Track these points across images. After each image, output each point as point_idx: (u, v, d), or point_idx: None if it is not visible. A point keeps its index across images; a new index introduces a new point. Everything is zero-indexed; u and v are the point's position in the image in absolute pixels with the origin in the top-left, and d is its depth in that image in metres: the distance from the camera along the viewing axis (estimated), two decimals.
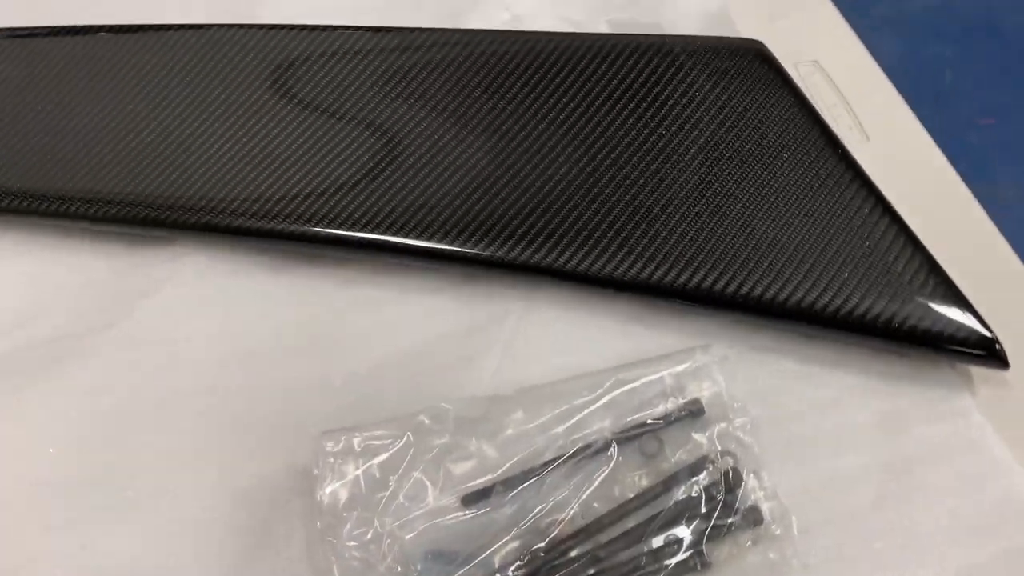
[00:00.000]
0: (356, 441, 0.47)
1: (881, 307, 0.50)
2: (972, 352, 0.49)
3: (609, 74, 0.58)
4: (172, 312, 0.57)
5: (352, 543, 0.45)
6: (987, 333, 0.49)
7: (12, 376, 0.54)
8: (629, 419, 0.49)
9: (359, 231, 0.55)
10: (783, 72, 0.58)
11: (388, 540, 0.45)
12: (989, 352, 0.49)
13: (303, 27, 0.63)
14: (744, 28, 0.66)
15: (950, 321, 0.49)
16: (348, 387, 0.53)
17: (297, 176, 0.57)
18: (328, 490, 0.46)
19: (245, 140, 0.59)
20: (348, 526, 0.45)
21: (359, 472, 0.47)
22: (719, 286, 0.51)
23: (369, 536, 0.45)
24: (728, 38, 0.59)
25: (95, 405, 0.53)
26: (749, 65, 0.58)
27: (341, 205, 0.55)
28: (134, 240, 0.60)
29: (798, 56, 0.67)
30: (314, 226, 0.55)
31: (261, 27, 0.64)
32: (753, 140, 0.55)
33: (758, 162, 0.55)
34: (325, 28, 0.63)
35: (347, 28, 0.63)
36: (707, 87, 0.57)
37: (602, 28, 0.69)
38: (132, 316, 0.57)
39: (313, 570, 0.46)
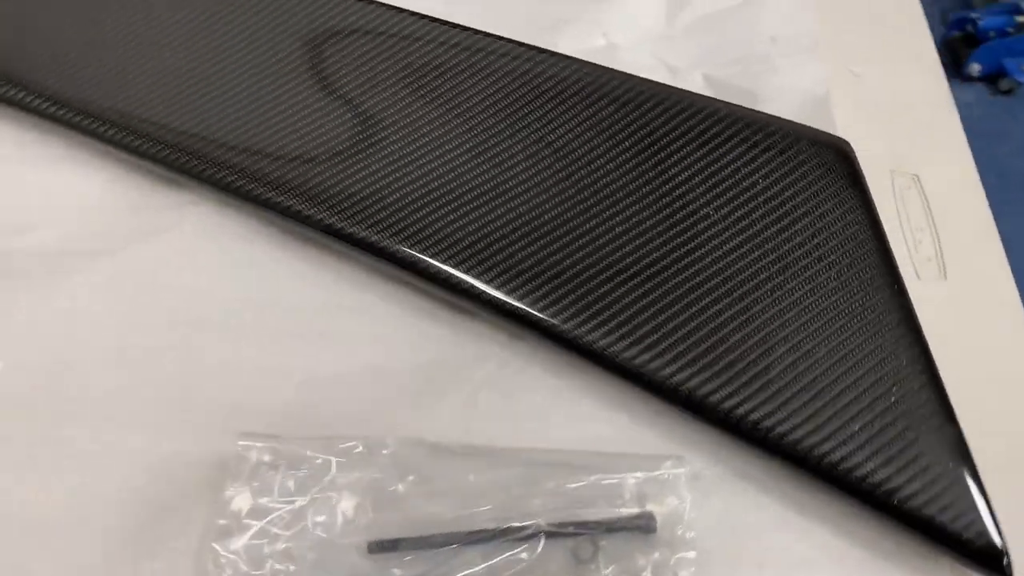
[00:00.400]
0: (276, 450, 0.45)
1: (885, 475, 0.43)
2: (974, 558, 0.42)
3: (670, 133, 0.53)
4: (169, 258, 0.56)
5: (237, 557, 0.42)
6: (997, 542, 0.42)
7: None
8: (573, 513, 0.45)
9: (365, 231, 0.52)
10: (861, 181, 0.51)
11: (275, 564, 0.42)
12: (993, 565, 0.42)
13: (385, 5, 0.61)
14: (846, 119, 0.60)
15: (959, 516, 0.42)
16: (305, 387, 0.51)
17: (324, 159, 0.54)
18: (231, 493, 0.44)
19: (286, 108, 0.57)
20: (242, 536, 0.43)
21: (275, 484, 0.44)
22: (715, 398, 0.46)
23: (259, 554, 0.42)
24: (813, 129, 0.53)
25: (58, 331, 0.53)
26: (826, 164, 0.51)
27: (358, 199, 0.53)
28: (158, 178, 0.59)
29: (899, 164, 0.60)
30: (327, 215, 0.53)
31: None
32: (804, 247, 0.49)
33: (802, 274, 0.48)
34: (404, 11, 0.60)
35: (427, 18, 0.59)
36: (774, 175, 0.51)
37: (696, 79, 0.64)
38: (130, 251, 0.56)
39: (194, 568, 0.43)
